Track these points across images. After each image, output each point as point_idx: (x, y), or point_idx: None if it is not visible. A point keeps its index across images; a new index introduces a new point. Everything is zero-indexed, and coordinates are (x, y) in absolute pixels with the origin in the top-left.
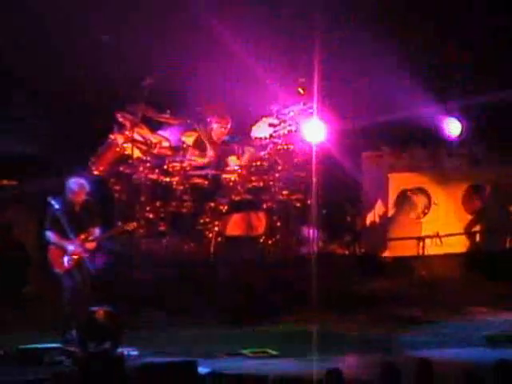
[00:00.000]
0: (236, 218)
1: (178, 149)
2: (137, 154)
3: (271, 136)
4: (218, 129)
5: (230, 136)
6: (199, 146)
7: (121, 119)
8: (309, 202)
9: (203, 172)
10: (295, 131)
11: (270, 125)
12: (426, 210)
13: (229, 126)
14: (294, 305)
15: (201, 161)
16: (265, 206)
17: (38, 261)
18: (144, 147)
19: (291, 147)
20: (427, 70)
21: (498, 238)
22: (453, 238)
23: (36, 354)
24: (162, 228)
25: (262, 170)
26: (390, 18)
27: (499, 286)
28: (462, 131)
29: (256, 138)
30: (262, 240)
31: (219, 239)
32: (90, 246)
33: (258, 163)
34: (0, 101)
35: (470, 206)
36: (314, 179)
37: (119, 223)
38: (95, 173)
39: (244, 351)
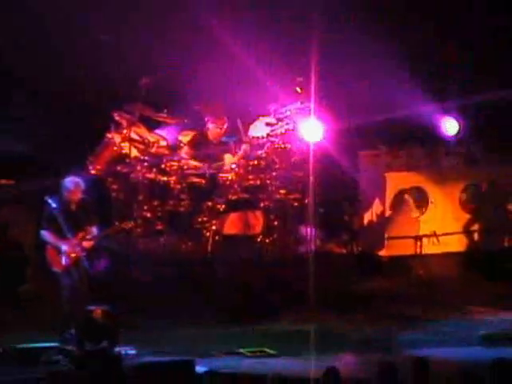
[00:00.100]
0: (233, 216)
1: (175, 148)
2: (134, 153)
3: (268, 135)
4: (214, 129)
5: (227, 137)
6: (195, 145)
7: (117, 118)
8: (306, 200)
9: (201, 170)
10: (292, 130)
11: (268, 124)
12: (424, 209)
13: (225, 126)
14: (291, 304)
15: (196, 163)
16: (262, 204)
17: (36, 260)
18: (141, 146)
19: (288, 146)
20: (426, 69)
21: (496, 237)
22: (450, 237)
23: (33, 353)
24: (159, 227)
25: (259, 169)
26: (390, 17)
27: (497, 286)
28: (459, 130)
29: (253, 137)
30: (259, 239)
31: (217, 238)
32: (88, 244)
33: (255, 162)
34: (0, 101)
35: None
36: (312, 178)
37: (116, 223)
38: (92, 172)
39: (242, 350)
